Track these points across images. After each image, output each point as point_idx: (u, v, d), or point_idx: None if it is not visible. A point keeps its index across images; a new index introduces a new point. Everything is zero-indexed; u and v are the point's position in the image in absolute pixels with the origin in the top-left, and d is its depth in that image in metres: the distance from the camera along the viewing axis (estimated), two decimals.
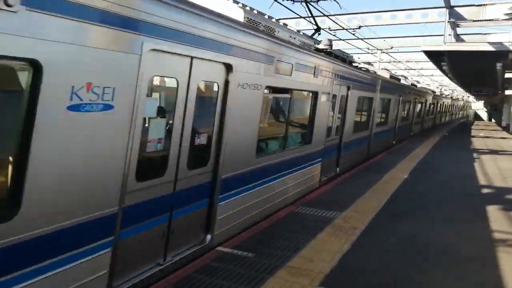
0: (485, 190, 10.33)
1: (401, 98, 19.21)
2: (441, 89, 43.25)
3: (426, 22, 16.79)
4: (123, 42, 3.70)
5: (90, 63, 3.41)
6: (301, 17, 14.22)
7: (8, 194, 3.11)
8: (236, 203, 6.08)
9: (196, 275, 4.77)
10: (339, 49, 11.46)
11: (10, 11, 2.72)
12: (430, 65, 24.10)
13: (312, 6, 10.39)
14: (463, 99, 64.38)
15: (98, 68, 3.49)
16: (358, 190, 9.32)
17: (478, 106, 70.36)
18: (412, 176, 11.51)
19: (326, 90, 9.07)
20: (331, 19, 14.75)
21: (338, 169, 11.10)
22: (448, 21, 14.44)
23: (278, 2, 9.29)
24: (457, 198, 9.31)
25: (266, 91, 6.56)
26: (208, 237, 5.51)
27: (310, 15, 10.25)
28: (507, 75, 18.20)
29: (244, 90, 5.79)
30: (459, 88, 45.27)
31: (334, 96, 9.82)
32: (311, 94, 8.65)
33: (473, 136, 27.77)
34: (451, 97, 48.65)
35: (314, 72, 8.25)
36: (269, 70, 6.47)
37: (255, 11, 6.68)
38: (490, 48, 13.53)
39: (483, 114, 67.08)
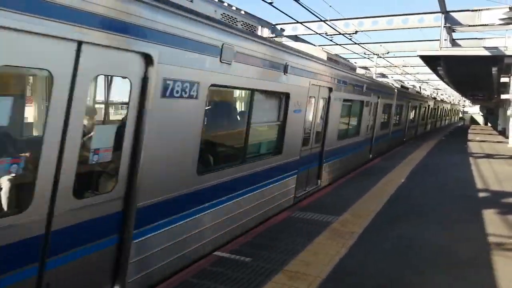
0: (481, 194, 10.36)
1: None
2: (419, 87, 34.07)
3: (422, 27, 16.88)
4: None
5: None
6: (297, 22, 14.30)
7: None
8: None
9: (194, 279, 4.77)
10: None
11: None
12: (427, 69, 24.22)
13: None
14: (450, 102, 55.07)
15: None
16: (355, 194, 9.35)
17: (474, 110, 70.31)
18: (409, 180, 11.55)
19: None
20: (327, 24, 14.81)
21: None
22: (444, 26, 14.54)
23: (274, 7, 9.36)
24: (453, 201, 9.34)
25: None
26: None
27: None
28: (502, 80, 18.33)
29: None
30: (447, 88, 40.31)
31: None
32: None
33: (470, 140, 27.89)
34: (434, 98, 38.46)
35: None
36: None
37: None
38: (486, 52, 13.65)
39: (479, 118, 67.11)
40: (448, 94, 47.16)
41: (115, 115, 5.22)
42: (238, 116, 7.09)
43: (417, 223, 7.48)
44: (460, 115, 77.30)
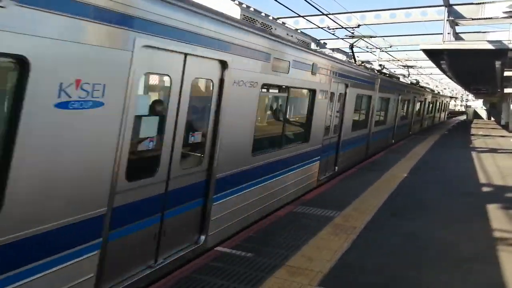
0: (484, 189, 10.32)
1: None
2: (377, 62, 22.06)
3: (425, 21, 16.79)
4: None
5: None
6: (299, 15, 14.21)
7: None
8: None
9: (196, 275, 4.76)
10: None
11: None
12: (429, 63, 24.08)
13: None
14: (432, 90, 35.59)
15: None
16: (357, 189, 9.31)
17: (477, 105, 69.76)
18: (412, 175, 11.51)
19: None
20: (330, 18, 14.73)
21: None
22: (447, 20, 14.43)
23: (276, 0, 9.27)
24: (457, 196, 9.30)
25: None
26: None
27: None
28: (506, 74, 18.20)
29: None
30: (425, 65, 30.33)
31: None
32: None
33: (473, 135, 27.78)
34: (400, 83, 21.05)
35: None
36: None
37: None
38: (489, 46, 13.52)
39: (483, 113, 66.75)
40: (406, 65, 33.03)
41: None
42: None
43: (420, 219, 7.44)
44: (452, 107, 69.55)
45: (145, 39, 3.96)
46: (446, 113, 48.79)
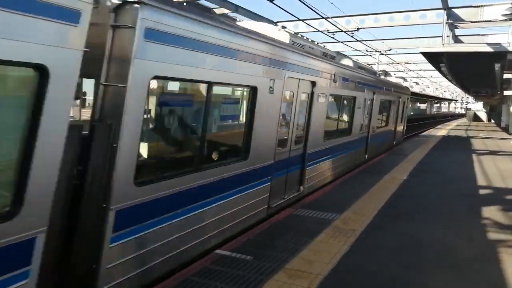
0: (484, 191, 10.32)
1: None
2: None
3: (424, 24, 16.83)
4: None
5: None
6: (299, 19, 14.24)
7: None
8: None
9: (195, 278, 4.77)
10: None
11: None
12: (429, 66, 24.13)
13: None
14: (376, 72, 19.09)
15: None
16: (357, 192, 9.32)
17: (478, 107, 69.73)
18: (411, 177, 11.51)
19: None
20: (329, 21, 14.76)
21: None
22: (446, 22, 14.47)
23: (275, 5, 9.32)
24: (456, 199, 9.30)
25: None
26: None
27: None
28: (505, 76, 18.23)
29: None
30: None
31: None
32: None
33: (473, 137, 27.78)
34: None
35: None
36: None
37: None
38: (488, 49, 13.55)
39: (483, 115, 66.78)
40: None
41: None
42: None
43: (419, 221, 7.44)
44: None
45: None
46: (403, 123, 21.98)
